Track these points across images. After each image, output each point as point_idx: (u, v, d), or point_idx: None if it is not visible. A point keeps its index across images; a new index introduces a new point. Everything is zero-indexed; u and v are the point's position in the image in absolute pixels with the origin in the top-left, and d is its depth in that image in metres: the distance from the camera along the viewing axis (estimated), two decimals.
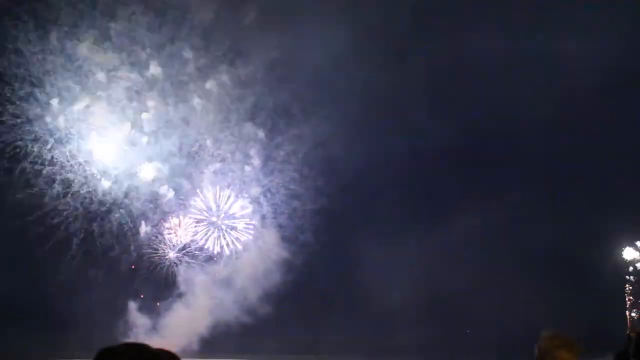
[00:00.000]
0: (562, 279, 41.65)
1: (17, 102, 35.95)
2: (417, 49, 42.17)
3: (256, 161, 41.01)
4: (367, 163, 41.08)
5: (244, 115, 43.42)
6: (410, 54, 42.35)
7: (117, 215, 33.24)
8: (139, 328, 33.55)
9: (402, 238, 40.01)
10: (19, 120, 36.27)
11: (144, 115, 41.07)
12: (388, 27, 41.28)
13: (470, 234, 41.49)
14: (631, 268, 42.99)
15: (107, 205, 33.23)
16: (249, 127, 43.08)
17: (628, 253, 42.71)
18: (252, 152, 41.46)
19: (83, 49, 39.95)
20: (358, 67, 41.63)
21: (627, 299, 42.51)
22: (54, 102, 37.70)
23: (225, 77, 44.30)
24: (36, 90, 37.14)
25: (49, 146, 33.58)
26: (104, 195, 33.45)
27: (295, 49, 42.43)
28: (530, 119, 44.27)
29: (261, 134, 42.59)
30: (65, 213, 32.58)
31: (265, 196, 39.23)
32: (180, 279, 35.12)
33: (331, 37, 41.90)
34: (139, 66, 41.80)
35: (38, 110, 36.46)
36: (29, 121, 36.21)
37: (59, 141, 35.62)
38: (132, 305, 33.87)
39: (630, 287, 42.50)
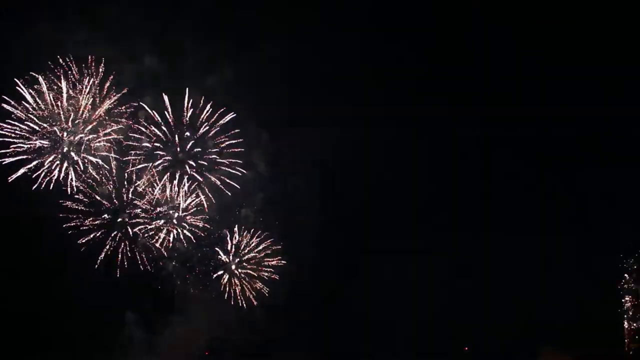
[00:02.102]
0: (567, 292, 43.08)
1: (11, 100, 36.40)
2: (435, 49, 42.63)
3: (260, 167, 41.78)
4: (379, 172, 41.89)
5: (247, 115, 43.81)
6: (429, 53, 42.73)
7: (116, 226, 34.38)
8: (138, 345, 35.01)
9: (412, 253, 41.18)
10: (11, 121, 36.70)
11: (140, 115, 41.64)
12: (407, 26, 41.66)
13: (483, 249, 42.80)
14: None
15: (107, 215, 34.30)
16: (252, 129, 43.54)
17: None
18: (255, 157, 42.08)
19: (74, 38, 40.10)
20: (373, 68, 42.01)
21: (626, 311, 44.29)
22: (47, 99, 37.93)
23: (229, 73, 44.55)
24: (26, 88, 37.43)
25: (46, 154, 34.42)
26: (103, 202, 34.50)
27: (307, 44, 42.64)
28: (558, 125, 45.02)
29: (265, 136, 43.08)
30: (64, 225, 33.69)
31: (269, 205, 40.25)
32: (179, 294, 36.41)
33: (347, 34, 42.07)
34: (133, 58, 42.05)
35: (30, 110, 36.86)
36: (20, 120, 36.67)
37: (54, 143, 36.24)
38: (131, 322, 35.24)
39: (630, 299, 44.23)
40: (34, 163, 35.21)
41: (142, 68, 41.59)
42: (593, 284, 42.97)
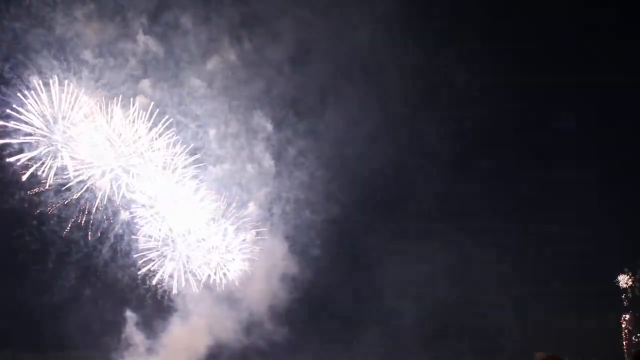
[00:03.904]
0: (583, 297, 44.19)
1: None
2: (458, 36, 42.05)
3: (263, 160, 41.97)
4: (390, 166, 41.96)
5: (251, 103, 43.43)
6: (450, 40, 42.23)
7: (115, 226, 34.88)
8: (137, 347, 36.15)
9: (422, 251, 41.88)
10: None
11: (139, 99, 41.47)
12: (426, 15, 41.06)
13: (497, 248, 43.63)
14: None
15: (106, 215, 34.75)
16: (257, 118, 43.33)
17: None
18: (259, 149, 42.12)
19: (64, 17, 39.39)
20: (388, 56, 41.53)
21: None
22: (37, 86, 37.67)
23: (231, 55, 43.96)
24: (16, 75, 37.18)
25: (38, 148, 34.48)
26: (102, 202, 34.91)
27: (316, 28, 41.75)
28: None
29: (269, 126, 42.94)
30: (63, 224, 34.09)
31: (273, 202, 40.66)
32: (179, 295, 37.29)
33: (365, 14, 41.51)
34: (129, 39, 41.44)
35: (21, 98, 36.68)
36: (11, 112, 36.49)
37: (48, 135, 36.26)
38: (130, 325, 36.25)
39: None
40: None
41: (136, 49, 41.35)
42: (592, 288, 44.21)
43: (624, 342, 45.19)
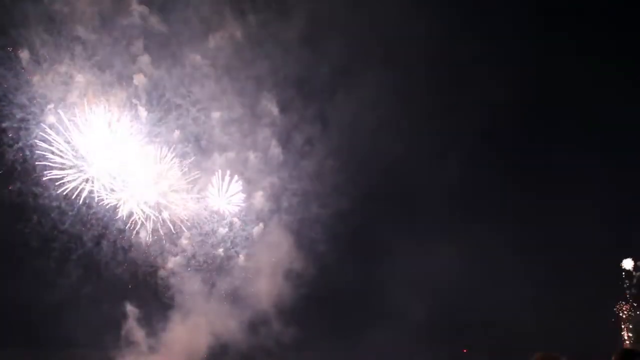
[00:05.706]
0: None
1: None
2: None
3: (269, 148, 41.27)
4: (402, 156, 41.46)
5: (257, 85, 42.19)
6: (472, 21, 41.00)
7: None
8: (137, 346, 36.45)
9: (434, 246, 42.06)
10: None
11: (137, 80, 40.39)
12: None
13: (510, 245, 43.88)
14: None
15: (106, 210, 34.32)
16: (263, 101, 42.16)
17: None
18: (264, 135, 41.26)
19: None
20: (408, 37, 40.32)
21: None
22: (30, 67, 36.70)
23: (236, 31, 42.41)
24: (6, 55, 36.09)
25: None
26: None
27: (329, 1, 40.02)
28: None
29: (275, 110, 41.88)
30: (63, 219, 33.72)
31: (278, 194, 40.23)
32: (181, 293, 37.34)
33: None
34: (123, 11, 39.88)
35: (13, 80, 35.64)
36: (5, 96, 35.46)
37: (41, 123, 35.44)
38: (130, 323, 36.38)
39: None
40: None
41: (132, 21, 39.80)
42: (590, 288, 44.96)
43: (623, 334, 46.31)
